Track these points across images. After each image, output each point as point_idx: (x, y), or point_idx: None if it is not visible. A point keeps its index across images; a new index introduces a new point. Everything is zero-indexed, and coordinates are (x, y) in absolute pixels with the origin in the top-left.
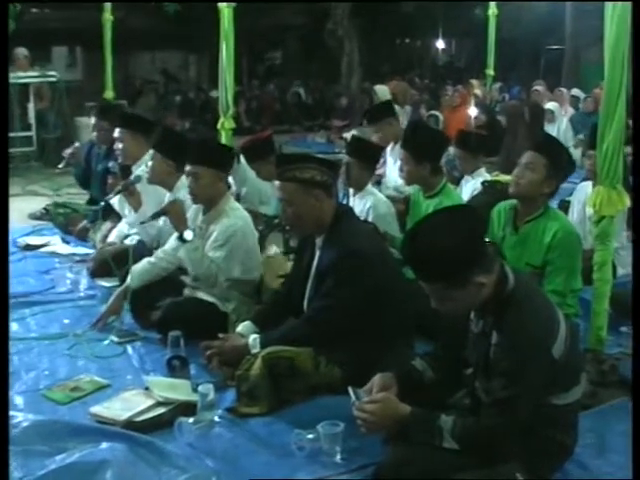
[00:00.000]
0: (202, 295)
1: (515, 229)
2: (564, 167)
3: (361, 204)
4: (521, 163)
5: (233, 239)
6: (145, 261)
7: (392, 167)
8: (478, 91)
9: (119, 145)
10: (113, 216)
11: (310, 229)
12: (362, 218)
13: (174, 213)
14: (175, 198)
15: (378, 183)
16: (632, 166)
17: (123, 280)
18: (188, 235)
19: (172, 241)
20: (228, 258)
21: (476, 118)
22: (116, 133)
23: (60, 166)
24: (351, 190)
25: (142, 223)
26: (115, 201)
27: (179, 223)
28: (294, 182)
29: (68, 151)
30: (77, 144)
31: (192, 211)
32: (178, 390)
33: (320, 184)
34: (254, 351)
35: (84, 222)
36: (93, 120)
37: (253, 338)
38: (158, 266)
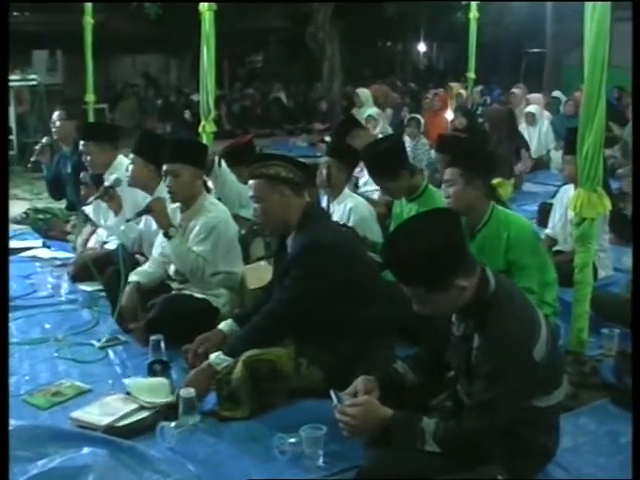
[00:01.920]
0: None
1: (471, 239)
2: (481, 165)
3: (340, 208)
4: (443, 182)
5: (215, 231)
6: (146, 266)
7: None
8: (462, 91)
9: (87, 157)
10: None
11: (278, 227)
12: (343, 222)
13: (158, 210)
14: (157, 196)
15: (355, 186)
16: (632, 168)
17: (107, 283)
18: (172, 231)
19: (159, 247)
20: (213, 251)
21: (452, 122)
22: (81, 146)
23: (32, 159)
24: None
25: (128, 221)
26: (90, 210)
27: (163, 220)
28: (261, 178)
29: (36, 147)
30: (44, 139)
31: (170, 211)
32: (158, 391)
33: (285, 180)
34: (219, 368)
35: (66, 228)
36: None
37: (215, 356)
38: (154, 273)
